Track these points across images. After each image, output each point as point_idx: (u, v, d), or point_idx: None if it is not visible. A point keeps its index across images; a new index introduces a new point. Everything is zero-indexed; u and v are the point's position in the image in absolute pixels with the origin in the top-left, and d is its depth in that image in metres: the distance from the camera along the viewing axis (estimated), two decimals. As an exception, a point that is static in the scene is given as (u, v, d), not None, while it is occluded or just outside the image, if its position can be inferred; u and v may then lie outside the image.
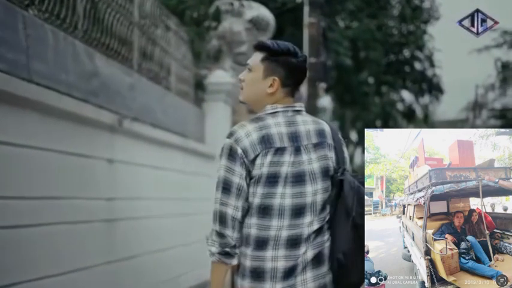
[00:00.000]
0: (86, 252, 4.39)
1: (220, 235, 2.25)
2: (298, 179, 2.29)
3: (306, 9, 8.62)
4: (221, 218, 2.26)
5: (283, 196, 2.27)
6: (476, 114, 28.33)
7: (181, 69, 7.04)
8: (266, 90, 2.36)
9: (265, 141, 2.27)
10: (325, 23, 10.51)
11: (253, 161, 2.25)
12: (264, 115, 2.35)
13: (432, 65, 20.32)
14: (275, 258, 2.26)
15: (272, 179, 2.26)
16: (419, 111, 22.39)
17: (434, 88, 20.73)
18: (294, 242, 2.27)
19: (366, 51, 16.85)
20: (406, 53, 19.75)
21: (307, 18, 8.76)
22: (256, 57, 2.39)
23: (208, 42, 8.03)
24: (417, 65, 20.30)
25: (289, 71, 2.35)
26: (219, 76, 7.77)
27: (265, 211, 2.26)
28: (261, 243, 2.26)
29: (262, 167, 2.26)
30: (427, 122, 23.15)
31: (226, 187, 2.26)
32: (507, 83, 26.00)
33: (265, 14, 8.73)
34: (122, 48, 5.23)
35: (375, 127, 17.18)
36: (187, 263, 6.65)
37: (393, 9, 18.92)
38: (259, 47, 2.40)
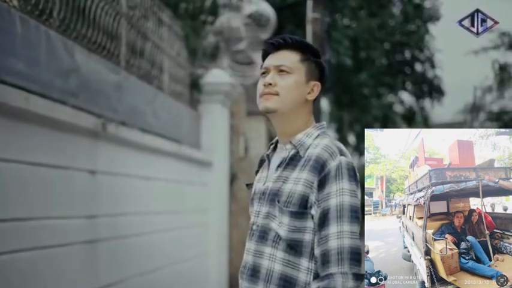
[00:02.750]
0: (63, 280, 3.76)
1: (361, 277, 1.86)
2: None
3: (310, 4, 8.04)
4: (359, 256, 1.85)
5: None
6: (474, 117, 28.05)
7: (175, 68, 6.41)
8: (306, 97, 1.98)
9: None
10: (329, 19, 9.96)
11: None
12: (322, 132, 2.01)
13: (433, 66, 19.86)
14: None
15: None
16: (418, 114, 21.99)
17: (435, 90, 20.29)
18: None
19: (367, 51, 16.38)
20: (407, 54, 19.31)
21: (310, 14, 8.16)
22: (290, 57, 1.98)
23: (205, 38, 7.39)
24: (417, 67, 19.87)
25: (322, 76, 2.04)
26: (216, 75, 7.16)
27: None
28: None
29: None
30: (427, 124, 22.82)
31: (357, 216, 1.88)
32: (504, 85, 25.73)
33: (266, 9, 8.25)
34: (107, 41, 4.57)
35: (375, 130, 16.69)
36: (183, 282, 6.03)
37: (394, 8, 18.44)
38: (296, 44, 2.00)
